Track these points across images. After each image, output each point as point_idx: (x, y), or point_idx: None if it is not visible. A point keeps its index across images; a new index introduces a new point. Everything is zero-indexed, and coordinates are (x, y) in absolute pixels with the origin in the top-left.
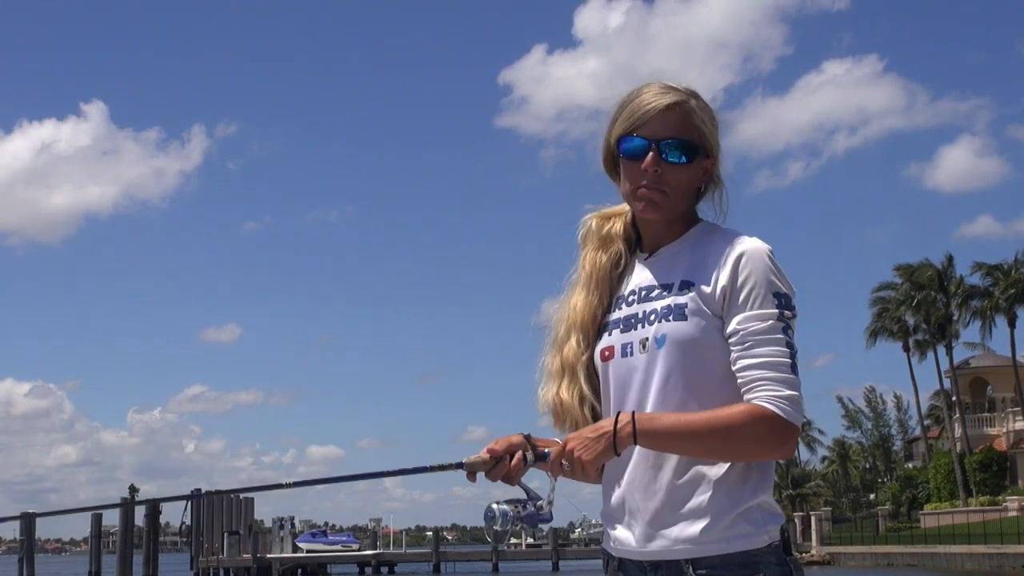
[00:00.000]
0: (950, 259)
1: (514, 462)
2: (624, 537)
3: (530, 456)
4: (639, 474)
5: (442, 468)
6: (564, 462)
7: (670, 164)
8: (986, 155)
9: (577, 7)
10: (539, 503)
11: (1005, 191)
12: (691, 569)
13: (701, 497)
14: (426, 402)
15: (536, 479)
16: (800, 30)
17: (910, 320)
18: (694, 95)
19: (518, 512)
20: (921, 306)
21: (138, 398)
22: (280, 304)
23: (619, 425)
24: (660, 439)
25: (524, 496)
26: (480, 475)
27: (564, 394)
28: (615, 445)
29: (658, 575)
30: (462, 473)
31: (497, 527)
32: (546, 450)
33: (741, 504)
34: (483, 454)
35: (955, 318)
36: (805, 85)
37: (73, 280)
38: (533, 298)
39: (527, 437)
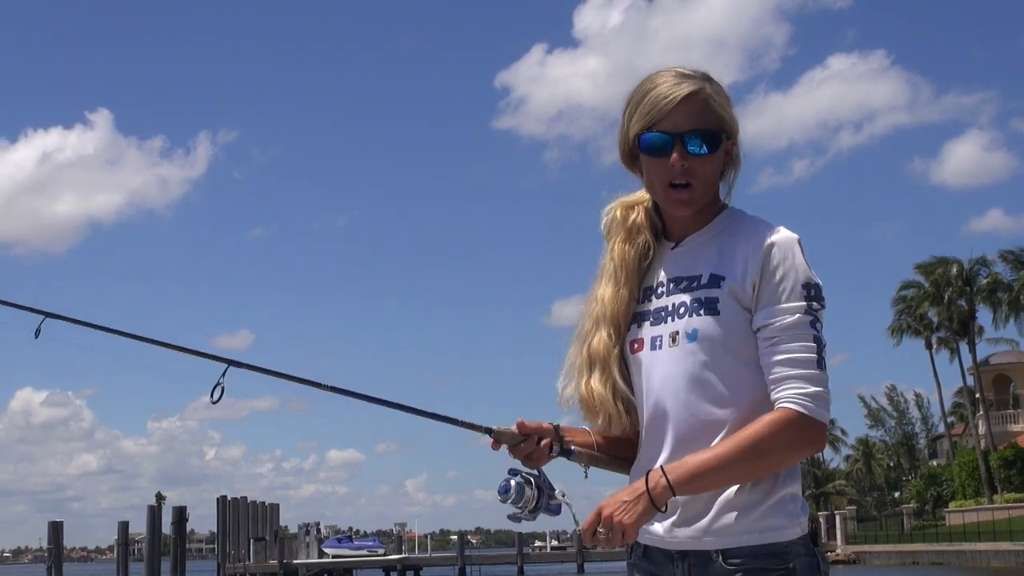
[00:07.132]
0: (976, 260)
1: (543, 444)
2: (652, 525)
3: (556, 448)
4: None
5: (471, 427)
6: (600, 530)
7: (695, 156)
8: (993, 149)
9: (576, 6)
10: (552, 493)
11: (1014, 185)
12: (721, 559)
13: (732, 488)
14: (442, 405)
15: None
16: (803, 26)
17: (933, 317)
18: (707, 78)
19: (533, 493)
20: (944, 303)
21: (155, 406)
22: (292, 310)
23: (651, 484)
24: (695, 481)
25: (539, 479)
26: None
27: (596, 385)
28: (653, 502)
29: (686, 564)
30: (485, 469)
31: (509, 503)
32: (572, 447)
33: (772, 496)
34: (513, 427)
35: (977, 313)
36: (809, 80)
37: (80, 289)
38: (543, 299)
39: (556, 428)
